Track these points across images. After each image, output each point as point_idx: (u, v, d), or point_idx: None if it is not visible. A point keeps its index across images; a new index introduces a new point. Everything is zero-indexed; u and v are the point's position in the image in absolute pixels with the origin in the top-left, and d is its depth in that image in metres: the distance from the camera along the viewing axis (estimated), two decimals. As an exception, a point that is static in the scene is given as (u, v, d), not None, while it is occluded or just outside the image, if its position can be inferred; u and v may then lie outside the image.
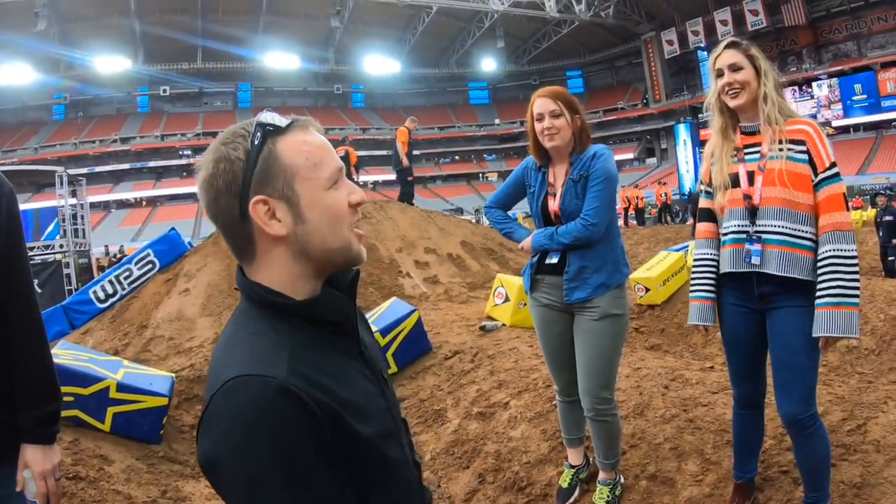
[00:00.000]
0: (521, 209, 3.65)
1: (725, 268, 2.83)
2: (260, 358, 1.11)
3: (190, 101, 63.22)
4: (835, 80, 48.97)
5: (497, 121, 68.01)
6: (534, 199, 3.37)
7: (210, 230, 10.63)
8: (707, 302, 2.90)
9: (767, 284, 2.71)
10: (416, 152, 63.94)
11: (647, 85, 60.67)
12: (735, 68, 2.72)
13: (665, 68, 59.23)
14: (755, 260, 2.69)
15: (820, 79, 49.54)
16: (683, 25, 55.04)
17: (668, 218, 30.45)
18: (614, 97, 64.13)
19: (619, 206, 27.51)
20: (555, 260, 3.27)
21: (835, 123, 46.93)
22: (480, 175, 66.43)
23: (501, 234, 3.61)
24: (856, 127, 48.69)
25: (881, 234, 12.44)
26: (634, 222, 29.52)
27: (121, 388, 4.69)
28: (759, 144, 2.75)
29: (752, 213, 2.72)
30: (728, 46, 2.78)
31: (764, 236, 2.68)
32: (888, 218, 12.29)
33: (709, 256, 2.92)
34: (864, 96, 47.84)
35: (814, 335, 2.60)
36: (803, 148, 2.64)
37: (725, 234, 2.83)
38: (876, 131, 48.09)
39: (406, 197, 13.86)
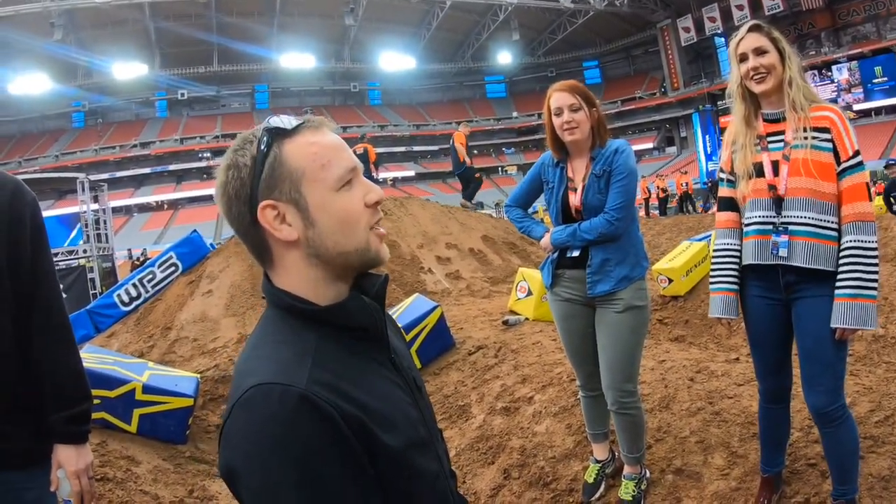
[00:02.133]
0: (541, 202, 3.67)
1: (749, 259, 2.77)
2: (282, 366, 1.09)
3: (207, 104, 63.66)
4: (854, 64, 48.15)
5: (515, 114, 67.78)
6: (552, 194, 3.36)
7: (232, 232, 10.66)
8: (731, 294, 2.84)
9: (793, 274, 2.67)
10: (434, 147, 64.50)
11: (665, 73, 60.21)
12: (760, 52, 2.64)
13: (682, 56, 58.69)
14: (783, 252, 2.63)
15: (839, 62, 48.71)
16: (699, 12, 54.54)
17: (690, 207, 30.19)
18: (632, 87, 63.65)
19: (640, 196, 27.34)
20: (577, 254, 3.27)
21: (856, 107, 46.09)
22: (500, 169, 66.10)
23: (520, 232, 3.61)
24: (877, 110, 47.71)
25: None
26: (656, 212, 29.28)
27: (146, 389, 4.74)
28: (782, 132, 2.69)
29: (778, 203, 2.66)
30: (751, 30, 2.70)
31: (791, 227, 2.62)
32: None
33: (731, 246, 2.86)
34: (885, 79, 46.85)
35: (831, 325, 2.57)
36: (828, 136, 2.59)
37: (749, 225, 2.77)
38: (898, 115, 47.12)
39: (470, 196, 13.74)
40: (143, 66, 55.81)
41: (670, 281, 7.66)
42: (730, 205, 2.89)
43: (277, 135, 1.18)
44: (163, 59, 56.95)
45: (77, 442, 1.97)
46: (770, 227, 2.67)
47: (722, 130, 39.24)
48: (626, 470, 3.45)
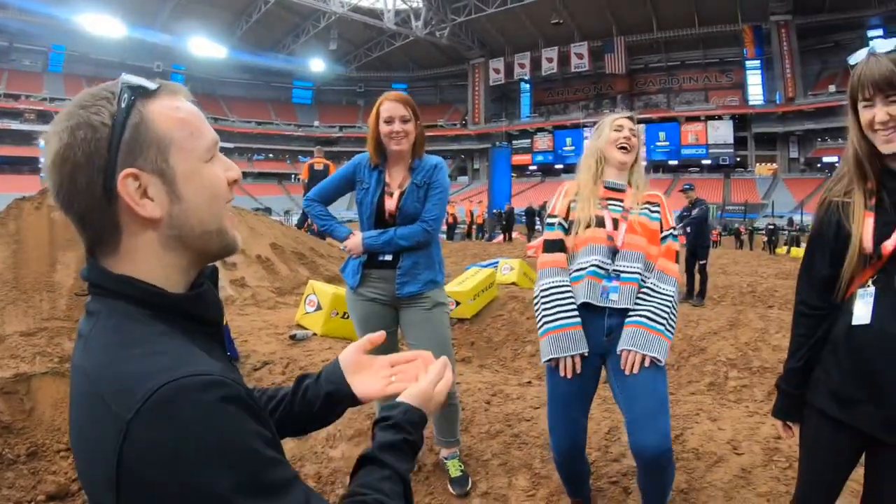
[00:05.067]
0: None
1: (581, 298, 2.77)
2: (180, 357, 0.93)
3: (-8, 58, 56.83)
4: (642, 126, 53.92)
5: (317, 123, 67.86)
6: (367, 195, 3.43)
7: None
8: (579, 328, 2.74)
9: (617, 317, 2.77)
10: (230, 145, 62.17)
11: (469, 107, 63.11)
12: (633, 133, 2.97)
13: (488, 94, 62.12)
14: (613, 296, 2.77)
15: (630, 122, 55.77)
16: (512, 57, 57.95)
17: (479, 234, 31.74)
18: (435, 114, 65.96)
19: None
20: (389, 258, 3.41)
21: (638, 162, 52.96)
22: (293, 176, 65.05)
23: (320, 228, 3.68)
24: (656, 168, 56.06)
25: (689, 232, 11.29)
26: (443, 236, 30.09)
27: None
28: (621, 200, 2.93)
29: (613, 252, 2.82)
30: (627, 118, 3.02)
31: (623, 275, 2.79)
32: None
33: (565, 283, 2.82)
34: (667, 143, 56.59)
35: (618, 348, 2.71)
36: (657, 209, 2.95)
37: (583, 268, 2.80)
38: (673, 174, 56.23)
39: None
40: None
41: (458, 303, 7.98)
42: (559, 246, 2.92)
43: (140, 94, 1.01)
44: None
45: None
46: (604, 272, 2.79)
47: (513, 168, 41.83)
48: (446, 452, 3.67)
